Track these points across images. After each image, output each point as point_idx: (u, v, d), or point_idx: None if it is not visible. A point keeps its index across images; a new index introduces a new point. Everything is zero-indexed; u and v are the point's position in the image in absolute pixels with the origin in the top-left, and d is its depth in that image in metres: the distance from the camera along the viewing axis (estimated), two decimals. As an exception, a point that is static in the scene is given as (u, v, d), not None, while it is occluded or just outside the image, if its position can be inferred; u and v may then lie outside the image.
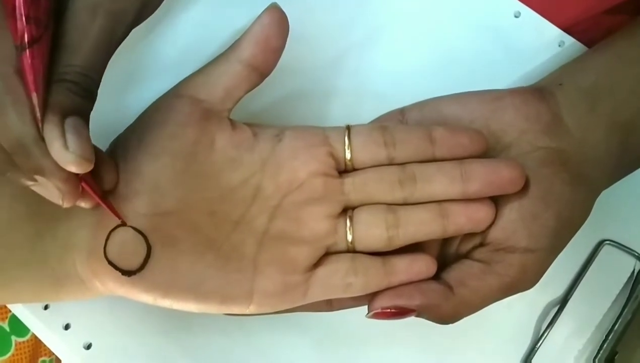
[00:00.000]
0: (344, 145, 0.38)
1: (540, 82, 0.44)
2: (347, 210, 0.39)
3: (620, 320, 0.46)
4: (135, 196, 0.35)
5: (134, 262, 0.35)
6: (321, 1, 0.46)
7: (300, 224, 0.38)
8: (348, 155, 0.38)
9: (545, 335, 0.45)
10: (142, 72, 0.45)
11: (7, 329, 0.54)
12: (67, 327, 0.43)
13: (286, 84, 0.45)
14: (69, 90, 0.30)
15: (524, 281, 0.38)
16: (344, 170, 0.39)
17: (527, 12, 0.47)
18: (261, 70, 0.37)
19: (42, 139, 0.30)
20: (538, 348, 0.45)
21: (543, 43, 0.47)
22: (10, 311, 0.53)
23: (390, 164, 0.39)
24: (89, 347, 0.43)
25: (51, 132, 0.30)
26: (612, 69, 0.42)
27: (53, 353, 0.44)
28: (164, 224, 0.36)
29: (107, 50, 0.32)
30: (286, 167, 0.38)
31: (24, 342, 0.54)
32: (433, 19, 0.47)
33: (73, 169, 0.30)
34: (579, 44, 0.47)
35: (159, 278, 0.35)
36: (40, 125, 0.30)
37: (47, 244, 0.36)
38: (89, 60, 0.31)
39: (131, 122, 0.38)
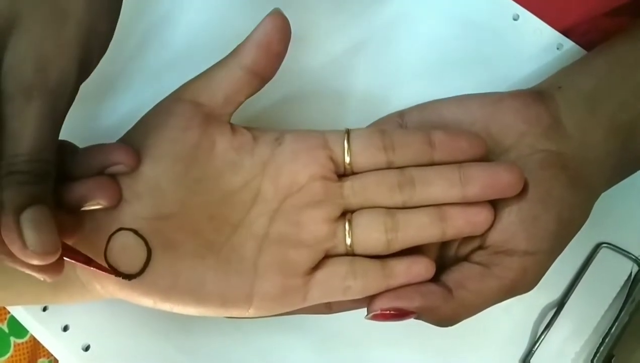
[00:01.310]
0: (344, 149, 0.39)
1: (540, 85, 0.44)
2: (346, 214, 0.39)
3: (617, 323, 0.45)
4: (135, 199, 0.35)
5: (134, 266, 0.35)
6: (320, 3, 0.46)
7: (300, 227, 0.38)
8: (347, 159, 0.39)
9: (543, 337, 0.45)
10: (143, 75, 0.45)
11: (6, 330, 0.54)
12: (65, 328, 0.43)
13: (285, 87, 0.45)
14: (19, 183, 0.29)
15: (523, 284, 0.38)
16: (344, 173, 0.39)
17: (525, 15, 0.47)
18: (262, 76, 0.37)
19: (2, 242, 0.30)
20: (535, 351, 0.45)
21: (541, 46, 0.47)
22: (9, 312, 0.53)
23: (390, 167, 0.39)
24: (87, 348, 0.43)
25: (8, 235, 0.29)
26: (612, 71, 0.42)
27: (52, 355, 0.44)
28: (165, 228, 0.36)
29: (53, 127, 0.31)
30: (286, 170, 0.38)
31: (22, 343, 0.54)
32: (432, 22, 0.47)
33: (38, 263, 0.30)
34: (577, 47, 0.47)
35: (159, 281, 0.35)
36: None
37: None
38: (35, 146, 0.30)
39: (132, 125, 0.38)
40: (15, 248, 0.29)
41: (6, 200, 0.29)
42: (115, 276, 0.35)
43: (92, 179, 0.34)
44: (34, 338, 0.48)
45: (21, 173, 0.29)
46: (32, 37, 0.30)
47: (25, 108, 0.29)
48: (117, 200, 0.35)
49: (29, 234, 0.29)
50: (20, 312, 0.44)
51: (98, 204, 0.34)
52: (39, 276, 0.32)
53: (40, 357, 0.55)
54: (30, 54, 0.30)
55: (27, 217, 0.29)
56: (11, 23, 0.30)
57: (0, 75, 0.30)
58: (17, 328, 0.53)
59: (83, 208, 0.34)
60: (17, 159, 0.29)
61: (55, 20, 0.31)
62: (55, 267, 0.32)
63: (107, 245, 0.35)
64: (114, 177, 0.35)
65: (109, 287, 0.35)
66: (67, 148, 0.35)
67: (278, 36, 0.36)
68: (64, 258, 0.32)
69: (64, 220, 0.33)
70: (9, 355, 0.53)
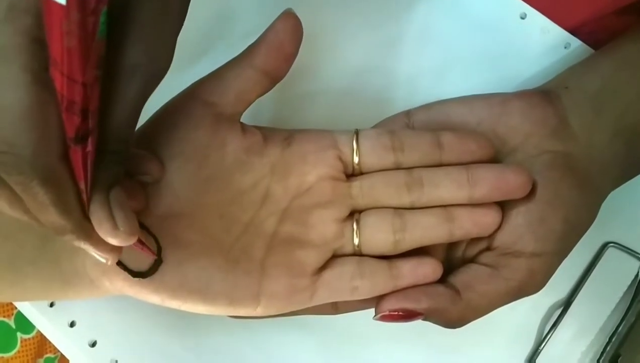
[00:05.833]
0: (353, 149, 0.39)
1: (546, 84, 0.44)
2: (354, 214, 0.39)
3: (623, 323, 0.46)
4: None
5: (143, 263, 0.35)
6: (331, 3, 0.46)
7: (308, 227, 0.38)
8: (356, 159, 0.39)
9: (549, 336, 0.46)
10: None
11: (13, 326, 0.54)
12: (72, 324, 0.43)
13: (294, 86, 0.45)
14: (111, 162, 0.29)
15: (530, 285, 0.38)
16: (352, 174, 0.39)
17: (533, 13, 0.47)
18: (273, 76, 0.37)
19: (87, 219, 0.29)
20: (541, 350, 0.45)
21: (549, 45, 0.47)
22: (16, 308, 0.53)
23: (398, 168, 0.39)
24: (94, 344, 0.43)
25: (99, 213, 0.29)
26: (618, 71, 0.42)
27: (58, 351, 0.44)
28: (175, 226, 0.36)
29: (140, 110, 0.30)
30: (295, 170, 0.38)
31: (29, 339, 0.54)
32: (438, 21, 0.47)
33: (121, 244, 0.30)
34: (585, 46, 0.47)
35: (168, 279, 0.35)
36: (87, 207, 0.29)
37: (58, 244, 0.36)
38: (128, 125, 0.30)
39: (142, 123, 0.38)
40: (104, 228, 0.29)
41: (101, 180, 0.29)
42: (131, 275, 0.35)
43: (128, 184, 0.34)
44: (41, 334, 0.48)
45: (113, 152, 0.29)
46: (150, 17, 0.29)
47: (126, 86, 0.29)
48: (141, 208, 0.35)
49: (118, 214, 0.29)
50: (27, 308, 0.44)
51: None
52: (103, 256, 0.31)
53: (46, 353, 0.55)
54: (145, 33, 0.29)
55: (114, 197, 0.29)
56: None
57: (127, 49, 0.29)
58: (24, 323, 0.53)
59: None
60: (112, 137, 0.29)
61: (164, 11, 0.30)
62: (117, 254, 0.32)
63: None
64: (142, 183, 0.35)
65: (117, 284, 0.35)
66: None
67: (290, 37, 0.36)
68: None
69: None
70: (15, 350, 0.53)
